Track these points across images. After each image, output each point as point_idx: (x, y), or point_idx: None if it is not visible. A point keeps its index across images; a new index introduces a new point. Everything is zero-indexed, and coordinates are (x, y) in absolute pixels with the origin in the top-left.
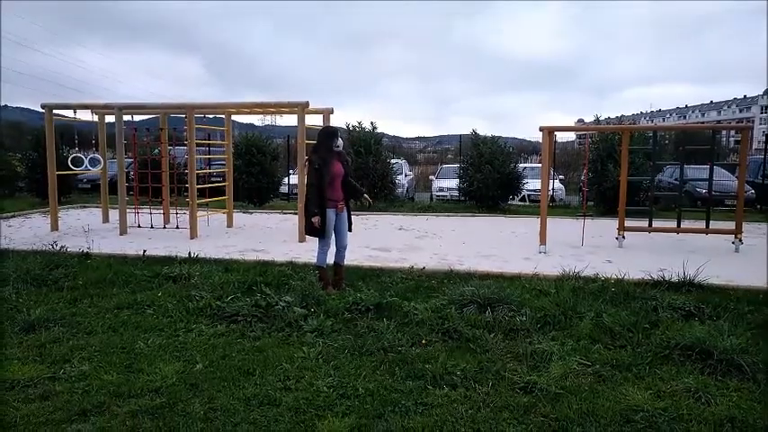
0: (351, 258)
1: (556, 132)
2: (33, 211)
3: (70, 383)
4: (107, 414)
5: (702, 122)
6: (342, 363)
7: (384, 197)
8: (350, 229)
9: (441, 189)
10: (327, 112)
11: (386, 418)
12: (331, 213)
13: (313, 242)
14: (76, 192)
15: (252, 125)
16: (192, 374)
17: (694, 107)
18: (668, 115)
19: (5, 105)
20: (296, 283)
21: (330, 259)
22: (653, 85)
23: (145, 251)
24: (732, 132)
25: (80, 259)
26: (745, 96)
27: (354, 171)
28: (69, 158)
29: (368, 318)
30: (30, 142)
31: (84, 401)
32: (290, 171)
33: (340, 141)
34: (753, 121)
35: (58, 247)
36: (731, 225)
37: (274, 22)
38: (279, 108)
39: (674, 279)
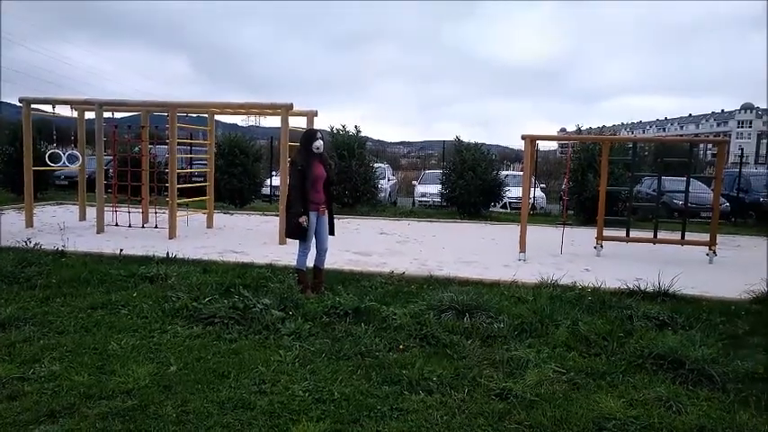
0: (331, 262)
1: (538, 141)
2: (8, 207)
3: (39, 384)
4: (76, 416)
5: (681, 135)
6: (318, 367)
7: (366, 201)
8: (332, 233)
9: (423, 194)
10: (311, 115)
11: (361, 424)
12: (312, 216)
13: (293, 244)
14: (53, 188)
15: (236, 125)
16: (166, 376)
17: (673, 120)
18: (648, 127)
19: None
20: (275, 285)
21: (310, 262)
22: (636, 95)
23: (122, 250)
24: (710, 145)
25: (54, 257)
26: (722, 110)
27: (337, 174)
28: (47, 154)
29: (346, 322)
30: (6, 137)
31: (54, 402)
32: (273, 173)
33: (319, 143)
34: (730, 136)
35: (31, 245)
36: (706, 237)
37: (266, 23)
38: (262, 109)
39: (650, 289)
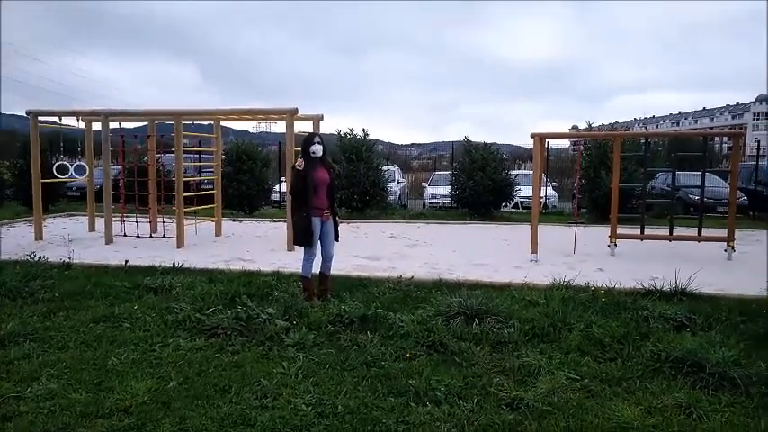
0: (338, 268)
1: (549, 139)
2: (19, 220)
3: (36, 403)
4: None
5: (695, 129)
6: (322, 379)
7: (375, 205)
8: (336, 239)
9: (433, 196)
10: (317, 119)
11: None
12: (316, 221)
13: (301, 251)
14: (65, 200)
15: (247, 132)
16: (165, 392)
17: (687, 114)
18: (661, 122)
19: None
20: (279, 294)
21: (316, 269)
22: (647, 92)
23: (127, 261)
24: (725, 139)
25: (60, 270)
26: (737, 103)
27: (345, 178)
28: (54, 166)
29: (352, 330)
30: (18, 149)
31: (49, 423)
32: (282, 178)
33: (316, 147)
34: (745, 128)
35: (37, 258)
36: (724, 232)
37: (275, 28)
38: (268, 115)
39: (666, 288)
